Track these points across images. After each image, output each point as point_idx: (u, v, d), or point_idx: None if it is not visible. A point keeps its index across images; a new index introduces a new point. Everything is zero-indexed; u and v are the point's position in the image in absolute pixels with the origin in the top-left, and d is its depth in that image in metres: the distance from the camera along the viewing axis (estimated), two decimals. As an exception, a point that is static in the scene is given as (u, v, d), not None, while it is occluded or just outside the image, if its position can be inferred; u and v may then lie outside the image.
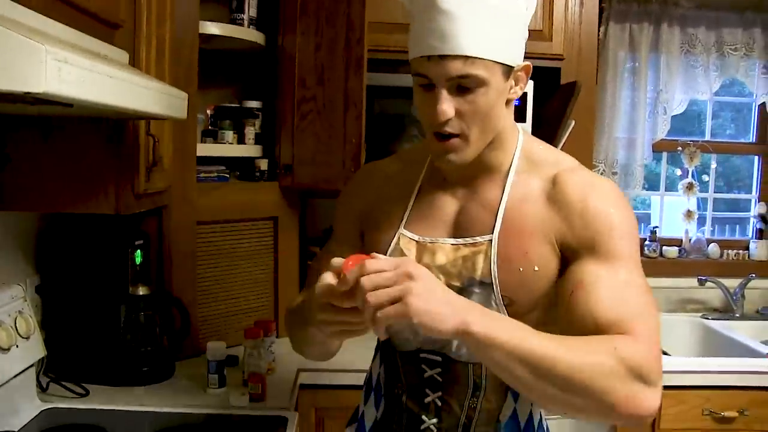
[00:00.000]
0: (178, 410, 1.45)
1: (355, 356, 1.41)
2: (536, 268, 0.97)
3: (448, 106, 0.91)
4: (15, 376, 1.34)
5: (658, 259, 2.61)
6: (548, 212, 0.98)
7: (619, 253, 0.93)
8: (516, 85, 0.98)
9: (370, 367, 1.20)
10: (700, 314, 2.52)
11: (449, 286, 1.00)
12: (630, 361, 0.83)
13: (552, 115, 2.11)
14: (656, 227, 2.67)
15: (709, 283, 2.47)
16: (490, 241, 0.99)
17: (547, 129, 2.11)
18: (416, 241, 1.04)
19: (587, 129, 2.20)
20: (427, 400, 1.08)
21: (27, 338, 1.41)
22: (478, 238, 1.00)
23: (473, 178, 1.04)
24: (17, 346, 1.36)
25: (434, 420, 1.07)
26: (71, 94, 0.80)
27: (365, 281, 0.81)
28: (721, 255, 2.63)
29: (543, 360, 0.82)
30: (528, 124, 2.09)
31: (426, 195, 1.07)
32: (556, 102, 2.10)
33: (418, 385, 1.08)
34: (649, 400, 0.84)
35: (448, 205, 1.05)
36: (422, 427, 1.08)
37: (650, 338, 0.87)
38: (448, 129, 0.94)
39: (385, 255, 1.04)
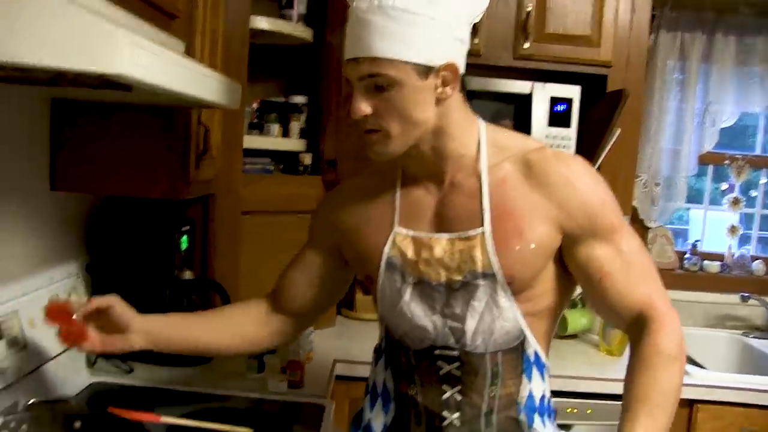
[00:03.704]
0: (218, 392, 1.48)
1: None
2: (533, 246, 1.02)
3: (362, 104, 0.99)
4: (66, 350, 1.40)
5: (699, 273, 2.57)
6: (534, 194, 1.03)
7: (615, 225, 1.04)
8: (445, 85, 1.00)
9: (371, 373, 1.21)
10: (741, 332, 2.46)
11: (451, 280, 1.05)
12: (675, 350, 1.00)
13: (597, 123, 2.09)
14: (698, 241, 2.62)
15: (752, 301, 2.42)
16: (483, 232, 1.02)
17: (591, 136, 2.09)
18: (411, 236, 1.08)
19: (632, 138, 2.17)
20: (446, 396, 1.09)
21: (78, 314, 1.46)
22: (471, 232, 1.04)
23: (439, 171, 1.07)
24: (69, 322, 1.41)
25: (456, 414, 1.08)
26: (142, 78, 0.83)
27: None
28: (766, 273, 2.57)
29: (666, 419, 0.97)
30: (573, 129, 2.08)
31: (406, 196, 1.11)
32: (602, 109, 2.09)
33: (435, 383, 1.09)
34: (683, 342, 1.03)
35: (427, 200, 1.09)
36: (444, 423, 1.09)
37: (667, 310, 1.03)
38: (367, 125, 1.02)
39: (382, 256, 1.09)
